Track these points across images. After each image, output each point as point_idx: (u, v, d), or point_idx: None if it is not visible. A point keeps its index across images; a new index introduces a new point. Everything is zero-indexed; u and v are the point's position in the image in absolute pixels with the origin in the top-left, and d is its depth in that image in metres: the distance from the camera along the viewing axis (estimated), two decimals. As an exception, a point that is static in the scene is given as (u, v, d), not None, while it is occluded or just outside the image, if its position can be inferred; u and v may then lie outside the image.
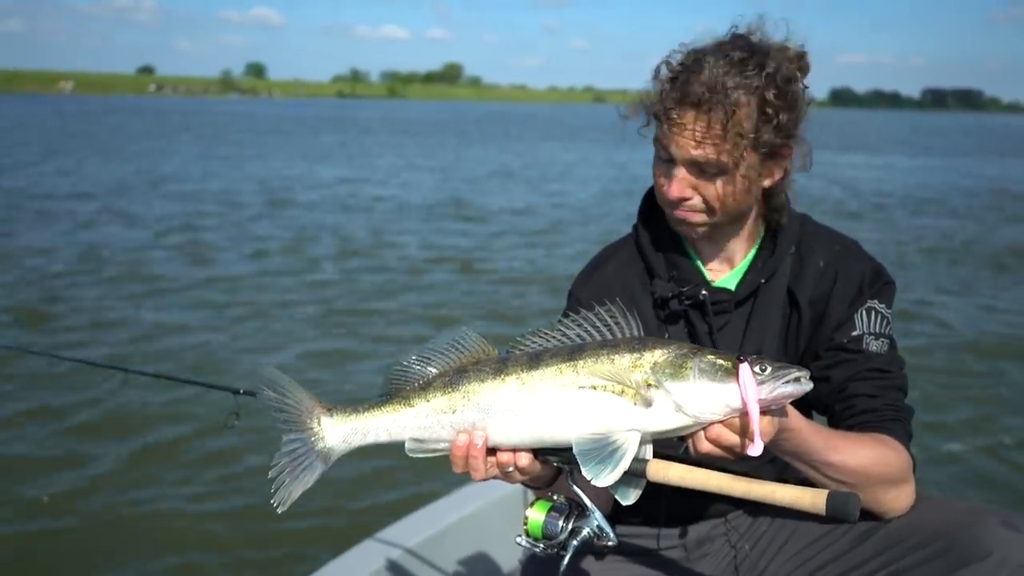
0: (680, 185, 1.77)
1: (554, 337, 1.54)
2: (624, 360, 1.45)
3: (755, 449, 1.40)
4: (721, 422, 1.44)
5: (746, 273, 1.89)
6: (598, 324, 1.52)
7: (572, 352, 1.49)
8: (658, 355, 1.44)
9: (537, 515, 1.62)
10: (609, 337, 1.51)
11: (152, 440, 5.58)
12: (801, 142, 1.83)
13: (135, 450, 5.46)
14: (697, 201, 1.78)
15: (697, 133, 1.70)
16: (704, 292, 1.88)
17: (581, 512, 1.62)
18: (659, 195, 1.88)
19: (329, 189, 20.48)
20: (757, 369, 1.41)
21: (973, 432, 6.34)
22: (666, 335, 1.90)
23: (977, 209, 19.81)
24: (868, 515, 1.72)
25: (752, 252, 1.94)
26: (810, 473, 1.69)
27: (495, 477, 1.57)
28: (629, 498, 1.50)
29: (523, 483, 1.63)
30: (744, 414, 1.41)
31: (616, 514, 1.85)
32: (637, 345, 1.47)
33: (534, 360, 1.51)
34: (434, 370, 1.57)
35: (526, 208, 18.02)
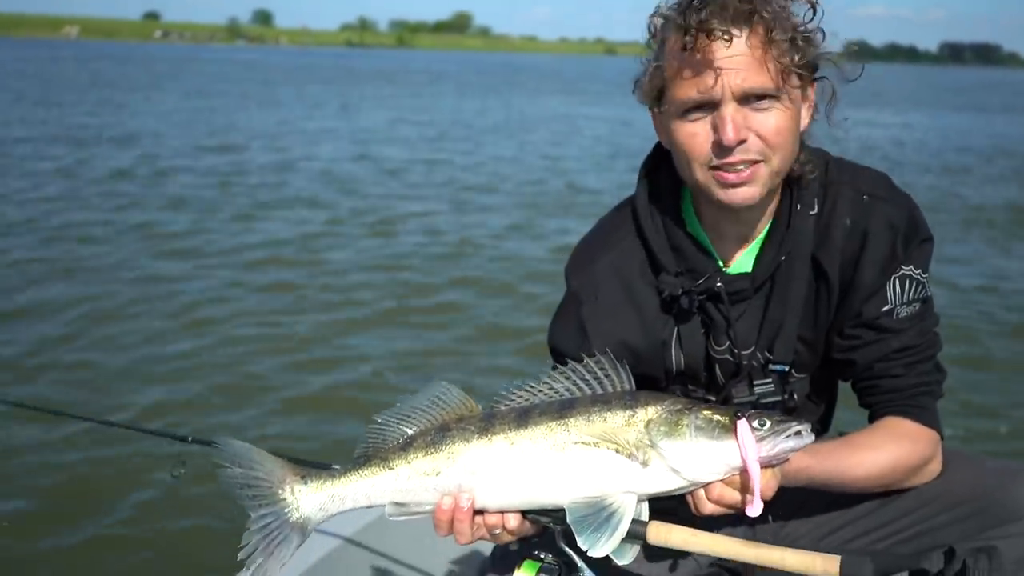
0: (737, 125, 1.54)
1: (540, 392, 1.48)
2: (617, 418, 1.40)
3: (755, 509, 1.36)
4: (721, 480, 1.40)
5: (762, 249, 1.72)
6: (587, 376, 1.47)
7: (562, 409, 1.44)
8: (652, 412, 1.39)
9: None
10: (599, 391, 1.45)
11: (83, 490, 4.80)
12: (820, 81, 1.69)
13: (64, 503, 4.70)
14: (754, 142, 1.57)
15: (744, 53, 1.51)
16: (719, 283, 1.70)
17: (572, 572, 1.56)
18: (696, 159, 1.60)
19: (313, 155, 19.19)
20: (756, 424, 1.36)
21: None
22: (676, 332, 1.74)
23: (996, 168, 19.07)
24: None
25: (769, 223, 1.75)
26: (832, 490, 1.69)
27: (482, 538, 1.51)
28: (626, 558, 1.44)
29: (510, 541, 1.56)
30: (744, 471, 1.37)
31: None
32: (630, 402, 1.42)
33: (522, 418, 1.45)
34: (414, 428, 1.51)
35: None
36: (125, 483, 4.83)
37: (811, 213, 1.71)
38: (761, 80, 1.54)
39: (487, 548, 2.75)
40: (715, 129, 1.56)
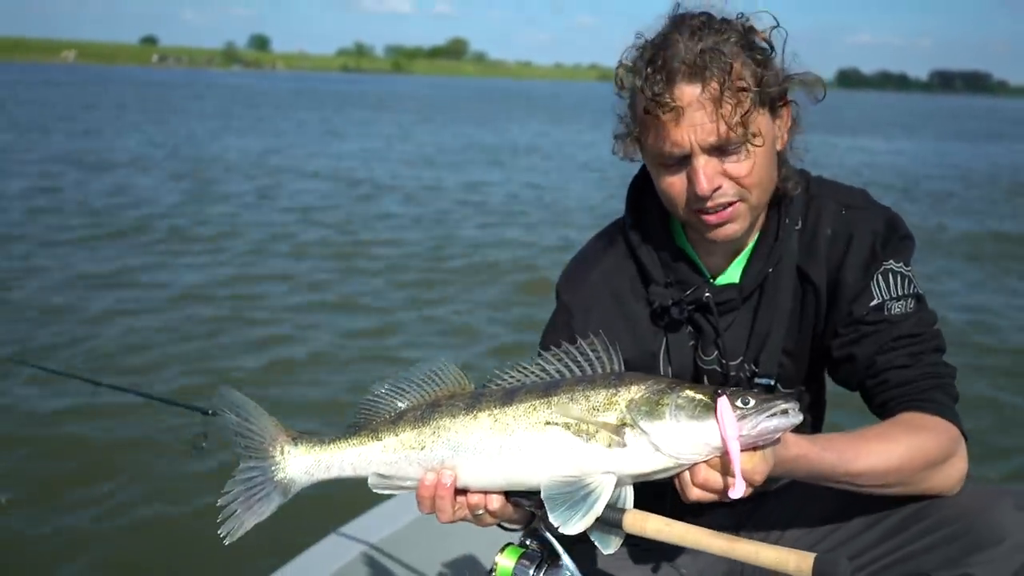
0: (709, 176, 1.60)
1: (533, 372, 1.48)
2: (599, 397, 1.38)
3: (737, 491, 1.30)
4: (705, 462, 1.36)
5: (750, 261, 1.76)
6: (579, 359, 1.46)
7: (547, 388, 1.43)
8: (634, 391, 1.37)
9: (507, 562, 1.55)
10: (589, 372, 1.45)
11: (112, 459, 5.15)
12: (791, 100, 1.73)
13: (89, 468, 5.03)
14: (728, 186, 1.62)
15: (704, 108, 1.55)
16: (707, 294, 1.74)
17: (554, 560, 1.54)
18: (677, 204, 1.67)
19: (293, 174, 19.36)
20: (739, 403, 1.32)
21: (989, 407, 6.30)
22: (664, 343, 1.76)
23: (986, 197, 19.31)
24: (915, 498, 1.62)
25: (756, 236, 1.79)
26: (842, 489, 1.58)
27: (464, 519, 1.50)
28: (610, 547, 1.42)
29: (493, 524, 1.56)
30: (727, 452, 1.32)
31: None
32: (614, 381, 1.40)
33: (508, 396, 1.45)
34: (407, 402, 1.51)
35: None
36: (147, 455, 5.04)
37: (796, 228, 1.77)
38: (724, 132, 1.57)
39: (472, 537, 2.76)
40: (690, 180, 1.63)
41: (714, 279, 1.80)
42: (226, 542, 1.47)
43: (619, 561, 1.82)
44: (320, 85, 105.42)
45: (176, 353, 7.00)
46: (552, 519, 1.37)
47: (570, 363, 1.48)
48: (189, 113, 36.40)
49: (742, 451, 1.33)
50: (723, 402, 1.32)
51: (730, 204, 1.64)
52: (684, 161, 1.61)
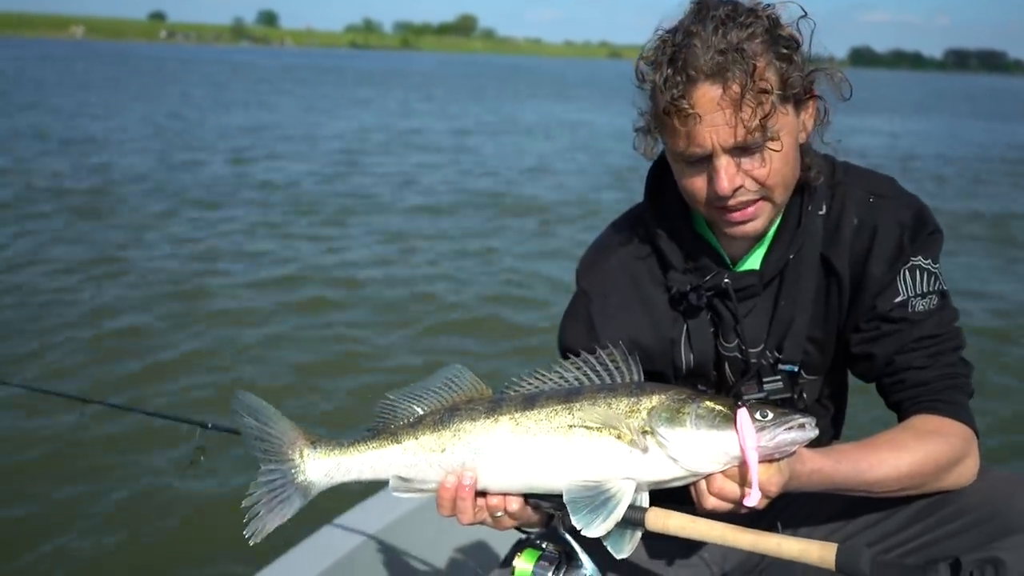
0: (731, 176, 1.58)
1: (551, 380, 1.51)
2: (621, 405, 1.41)
3: (752, 499, 1.34)
4: (722, 472, 1.39)
5: (771, 247, 1.74)
6: (598, 368, 1.49)
7: (569, 395, 1.46)
8: (655, 400, 1.41)
9: (525, 565, 1.56)
10: (608, 381, 1.48)
11: (106, 477, 4.87)
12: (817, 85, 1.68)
13: (85, 487, 4.76)
14: (750, 185, 1.60)
15: (724, 110, 1.52)
16: (727, 280, 1.71)
17: (572, 562, 1.55)
18: (698, 201, 1.65)
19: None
20: (758, 415, 1.36)
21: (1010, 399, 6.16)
22: (685, 329, 1.76)
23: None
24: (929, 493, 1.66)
25: (778, 221, 1.76)
26: (858, 496, 1.63)
27: (483, 522, 1.51)
28: (623, 551, 1.44)
29: (512, 527, 1.57)
30: (744, 462, 1.35)
31: None
32: (635, 390, 1.44)
33: (529, 401, 1.47)
34: (425, 408, 1.53)
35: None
36: (144, 469, 4.91)
37: (819, 213, 1.74)
38: (743, 135, 1.54)
39: (491, 539, 2.79)
40: (710, 179, 1.60)
41: (734, 265, 1.78)
42: (251, 543, 1.50)
43: (636, 562, 1.82)
44: (329, 62, 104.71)
45: (170, 364, 6.49)
46: (575, 522, 1.39)
47: (589, 371, 1.49)
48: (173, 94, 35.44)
49: (760, 462, 1.36)
50: (743, 413, 1.35)
51: (753, 202, 1.62)
52: (705, 160, 1.59)
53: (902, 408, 1.71)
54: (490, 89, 53.41)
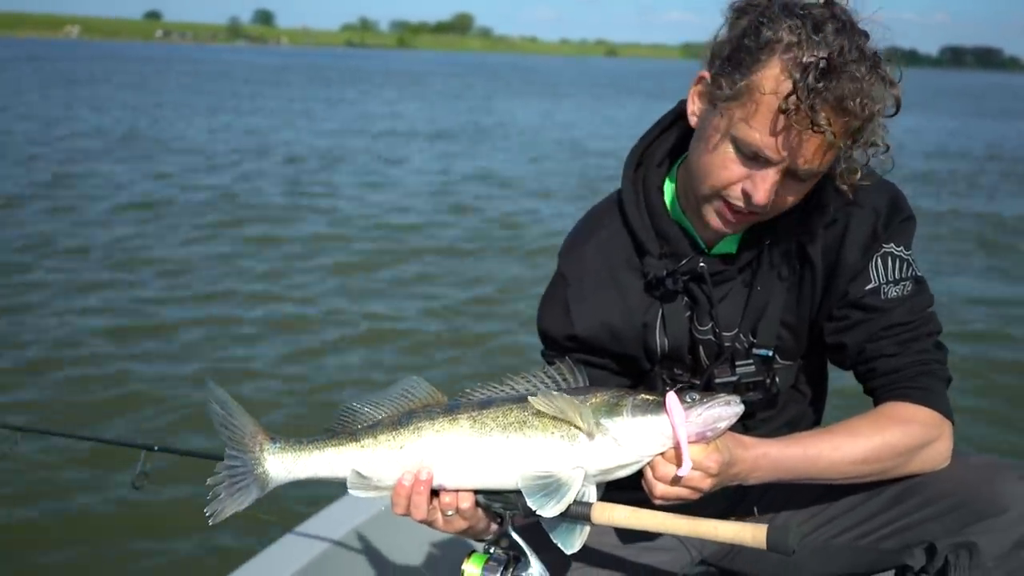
0: (771, 191, 1.57)
1: (503, 390, 1.58)
2: (569, 403, 1.52)
3: (684, 468, 1.46)
4: (662, 456, 1.48)
5: (746, 232, 1.74)
6: (546, 380, 1.57)
7: (521, 398, 1.55)
8: (599, 398, 1.52)
9: (473, 568, 1.59)
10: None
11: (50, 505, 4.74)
12: None
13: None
14: (769, 206, 1.60)
15: (817, 145, 1.50)
16: (702, 264, 1.73)
17: (519, 562, 1.58)
18: (712, 182, 1.62)
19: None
20: (687, 398, 1.48)
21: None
22: (660, 314, 1.78)
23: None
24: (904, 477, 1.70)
25: None
26: (820, 483, 1.68)
27: (433, 523, 1.56)
28: (573, 546, 1.51)
29: (460, 532, 1.60)
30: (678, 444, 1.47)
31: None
32: (583, 391, 1.54)
33: (485, 403, 1.56)
34: (383, 413, 1.60)
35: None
36: (91, 492, 4.77)
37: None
38: (816, 166, 1.55)
39: (446, 549, 2.78)
40: (750, 178, 1.57)
41: (709, 250, 1.78)
42: (210, 522, 1.55)
43: (584, 563, 1.86)
44: (324, 60, 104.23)
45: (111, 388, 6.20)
46: (530, 503, 1.47)
47: (538, 384, 1.58)
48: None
49: (694, 442, 1.47)
50: (671, 396, 1.47)
51: (753, 215, 1.63)
52: (758, 160, 1.55)
53: (876, 395, 1.72)
54: (479, 88, 53.25)
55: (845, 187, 1.62)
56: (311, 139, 21.33)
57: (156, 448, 2.32)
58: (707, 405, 1.46)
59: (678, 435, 1.45)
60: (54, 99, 29.38)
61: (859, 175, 1.59)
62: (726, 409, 1.47)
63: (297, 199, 13.64)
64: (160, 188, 13.97)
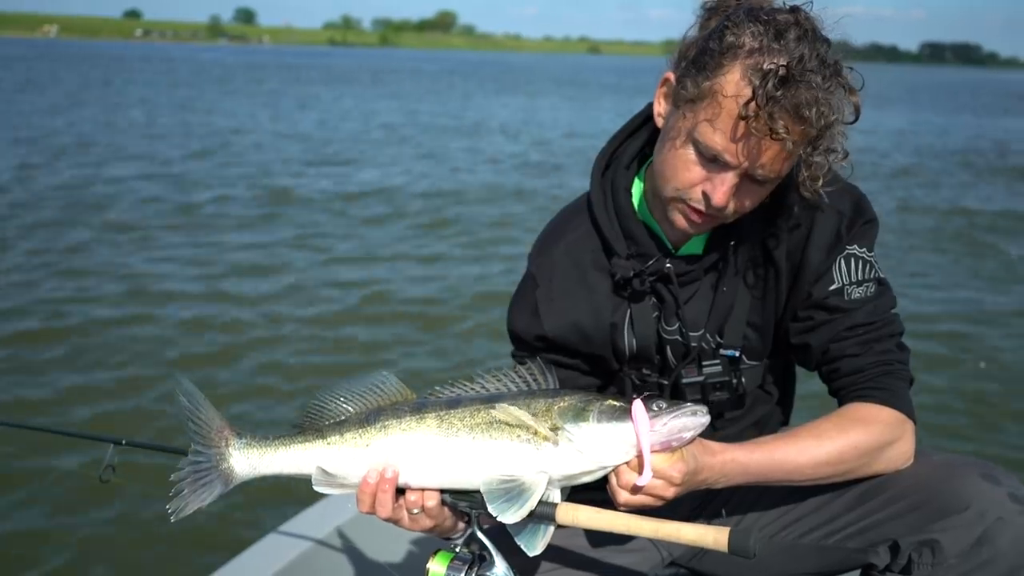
0: (728, 194, 1.59)
1: (473, 388, 1.58)
2: (538, 406, 1.52)
3: (644, 478, 1.45)
4: (626, 464, 1.48)
5: (712, 233, 1.76)
6: (517, 380, 1.57)
7: (490, 398, 1.55)
8: (565, 402, 1.51)
9: (438, 567, 1.58)
10: (526, 390, 1.57)
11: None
12: None
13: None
14: (730, 207, 1.62)
15: (775, 151, 1.52)
16: (668, 264, 1.75)
17: (484, 562, 1.58)
18: (674, 184, 1.64)
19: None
20: (653, 406, 1.47)
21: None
22: (628, 314, 1.80)
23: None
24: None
25: None
26: (787, 485, 1.70)
27: (398, 521, 1.56)
28: (536, 547, 1.51)
29: (427, 531, 1.61)
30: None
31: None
32: (551, 394, 1.54)
33: (453, 403, 1.56)
34: (351, 408, 1.59)
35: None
36: (53, 486, 4.71)
37: (762, 201, 1.74)
38: (775, 171, 1.57)
39: (414, 548, 2.79)
40: (709, 180, 1.59)
41: (676, 251, 1.80)
42: (172, 519, 1.54)
43: (554, 563, 1.88)
44: (303, 60, 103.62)
45: (77, 378, 6.17)
46: (491, 509, 1.47)
47: (508, 383, 1.58)
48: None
49: (658, 451, 1.47)
50: (637, 403, 1.46)
51: (714, 218, 1.65)
52: (717, 163, 1.57)
53: (840, 396, 1.75)
54: (459, 86, 53.12)
55: (808, 195, 1.63)
56: (273, 139, 21.08)
57: (124, 442, 2.30)
58: (673, 415, 1.46)
59: (641, 445, 1.45)
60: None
61: (821, 182, 1.60)
62: (692, 420, 1.46)
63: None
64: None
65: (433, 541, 1.69)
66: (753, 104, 1.47)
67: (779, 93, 1.46)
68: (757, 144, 1.51)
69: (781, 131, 1.47)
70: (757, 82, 1.47)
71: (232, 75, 55.12)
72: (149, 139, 19.88)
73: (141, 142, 19.20)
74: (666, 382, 1.83)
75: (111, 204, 12.43)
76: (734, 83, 1.50)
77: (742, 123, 1.50)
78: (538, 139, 23.10)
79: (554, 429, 1.49)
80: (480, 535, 1.58)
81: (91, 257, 9.57)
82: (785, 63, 1.48)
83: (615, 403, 1.50)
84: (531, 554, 1.51)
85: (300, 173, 15.73)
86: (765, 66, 1.48)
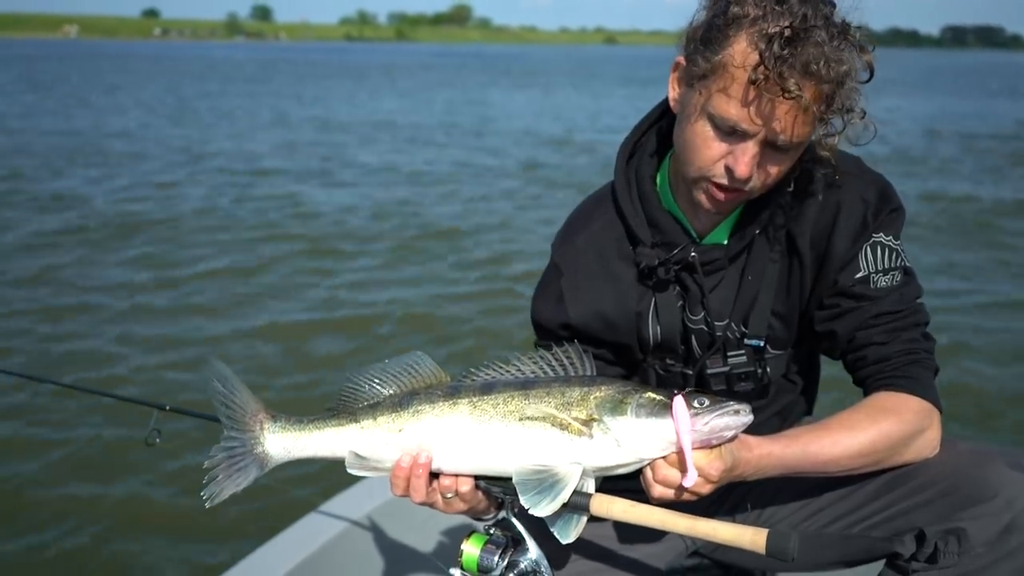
0: (752, 164, 1.57)
1: (508, 372, 1.57)
2: (573, 394, 1.50)
3: (689, 480, 1.43)
4: (663, 459, 1.46)
5: (737, 222, 1.76)
6: (553, 363, 1.56)
7: (525, 384, 1.54)
8: (603, 391, 1.49)
9: (472, 549, 1.59)
10: (563, 375, 1.56)
11: (67, 453, 4.91)
12: None
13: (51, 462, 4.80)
14: (755, 179, 1.60)
15: (792, 113, 1.50)
16: (693, 253, 1.74)
17: (518, 546, 1.59)
18: (697, 162, 1.63)
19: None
20: (695, 403, 1.43)
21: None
22: (653, 303, 1.79)
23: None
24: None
25: None
26: (817, 477, 1.71)
27: (432, 504, 1.57)
28: (569, 536, 1.50)
29: (461, 513, 1.61)
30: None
31: None
32: (588, 382, 1.52)
33: (487, 387, 1.55)
34: (385, 391, 1.59)
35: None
36: (100, 451, 4.87)
37: (787, 190, 1.75)
38: (797, 136, 1.55)
39: (440, 524, 2.83)
40: (731, 153, 1.59)
41: (701, 239, 1.80)
42: (207, 505, 1.54)
43: (580, 549, 1.85)
44: (319, 56, 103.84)
45: (124, 346, 6.48)
46: (523, 501, 1.46)
47: (544, 366, 1.56)
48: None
49: (698, 448, 1.44)
50: (678, 400, 1.43)
51: (740, 193, 1.62)
52: (736, 135, 1.57)
53: (865, 385, 1.74)
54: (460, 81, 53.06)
55: (826, 153, 1.63)
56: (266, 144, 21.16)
57: (168, 407, 2.31)
58: (716, 413, 1.43)
59: (683, 443, 1.42)
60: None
61: (837, 139, 1.61)
62: (734, 419, 1.44)
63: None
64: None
65: (466, 523, 1.70)
66: (762, 68, 1.48)
67: (786, 52, 1.47)
68: (771, 107, 1.51)
69: (793, 89, 1.47)
70: (763, 46, 1.48)
71: (264, 73, 55.57)
72: (234, 137, 20.00)
73: (220, 138, 19.29)
74: (690, 372, 1.83)
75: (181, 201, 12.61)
76: (741, 52, 1.52)
77: (753, 88, 1.50)
78: (551, 137, 23.09)
79: (590, 419, 1.48)
80: (514, 520, 1.58)
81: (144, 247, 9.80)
82: (788, 24, 1.49)
83: (654, 396, 1.48)
84: (564, 542, 1.50)
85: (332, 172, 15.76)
86: (770, 30, 1.49)
